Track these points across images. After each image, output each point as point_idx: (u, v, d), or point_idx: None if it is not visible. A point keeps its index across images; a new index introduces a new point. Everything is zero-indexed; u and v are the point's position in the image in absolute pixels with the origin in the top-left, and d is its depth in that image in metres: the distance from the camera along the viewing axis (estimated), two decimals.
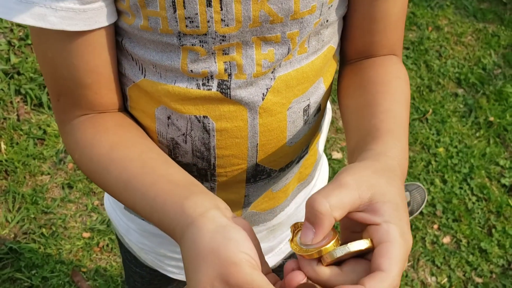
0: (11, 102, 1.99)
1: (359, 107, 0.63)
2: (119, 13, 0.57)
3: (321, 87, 0.67)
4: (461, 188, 2.13)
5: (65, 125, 0.64)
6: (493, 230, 2.02)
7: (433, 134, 2.26)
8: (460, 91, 2.42)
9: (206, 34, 0.56)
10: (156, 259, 0.90)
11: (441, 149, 2.22)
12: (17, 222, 1.78)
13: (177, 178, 0.56)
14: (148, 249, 0.89)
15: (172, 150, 0.67)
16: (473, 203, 2.10)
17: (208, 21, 0.55)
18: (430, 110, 2.33)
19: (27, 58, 2.07)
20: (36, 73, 2.05)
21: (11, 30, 2.14)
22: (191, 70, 0.59)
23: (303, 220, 0.47)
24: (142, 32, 0.57)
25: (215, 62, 0.58)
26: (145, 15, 0.55)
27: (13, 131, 1.94)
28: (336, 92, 0.72)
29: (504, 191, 2.14)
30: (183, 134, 0.65)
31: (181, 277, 0.94)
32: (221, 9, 0.54)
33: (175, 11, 0.54)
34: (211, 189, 0.71)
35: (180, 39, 0.56)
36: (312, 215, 0.45)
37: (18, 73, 2.03)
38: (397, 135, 0.57)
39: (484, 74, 2.48)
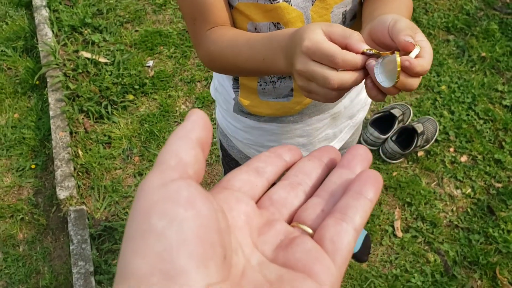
0: (77, 119, 2.32)
1: (371, 11, 0.85)
2: None
3: None
4: (468, 115, 2.33)
5: (200, 38, 0.90)
6: (503, 143, 2.24)
7: (434, 76, 2.48)
8: (451, 37, 2.66)
9: None
10: (257, 151, 1.15)
11: (443, 87, 2.44)
12: (105, 208, 2.06)
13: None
14: (251, 143, 1.14)
15: None
16: (481, 125, 2.30)
17: None
18: None
19: (81, 84, 2.43)
20: (91, 93, 2.40)
21: (64, 64, 2.52)
22: None
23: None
24: None
25: None
26: None
27: (85, 140, 2.27)
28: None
29: (507, 110, 2.35)
30: None
31: None
32: None
33: None
34: (289, 78, 0.97)
35: None
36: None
37: (78, 96, 2.37)
38: (396, 11, 0.77)
39: (469, 19, 2.72)
